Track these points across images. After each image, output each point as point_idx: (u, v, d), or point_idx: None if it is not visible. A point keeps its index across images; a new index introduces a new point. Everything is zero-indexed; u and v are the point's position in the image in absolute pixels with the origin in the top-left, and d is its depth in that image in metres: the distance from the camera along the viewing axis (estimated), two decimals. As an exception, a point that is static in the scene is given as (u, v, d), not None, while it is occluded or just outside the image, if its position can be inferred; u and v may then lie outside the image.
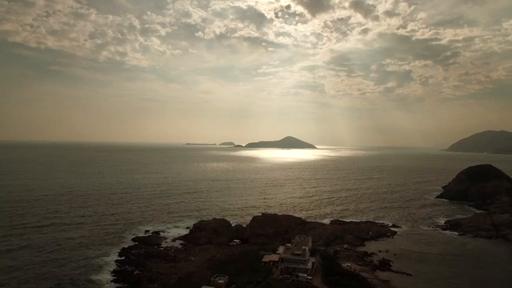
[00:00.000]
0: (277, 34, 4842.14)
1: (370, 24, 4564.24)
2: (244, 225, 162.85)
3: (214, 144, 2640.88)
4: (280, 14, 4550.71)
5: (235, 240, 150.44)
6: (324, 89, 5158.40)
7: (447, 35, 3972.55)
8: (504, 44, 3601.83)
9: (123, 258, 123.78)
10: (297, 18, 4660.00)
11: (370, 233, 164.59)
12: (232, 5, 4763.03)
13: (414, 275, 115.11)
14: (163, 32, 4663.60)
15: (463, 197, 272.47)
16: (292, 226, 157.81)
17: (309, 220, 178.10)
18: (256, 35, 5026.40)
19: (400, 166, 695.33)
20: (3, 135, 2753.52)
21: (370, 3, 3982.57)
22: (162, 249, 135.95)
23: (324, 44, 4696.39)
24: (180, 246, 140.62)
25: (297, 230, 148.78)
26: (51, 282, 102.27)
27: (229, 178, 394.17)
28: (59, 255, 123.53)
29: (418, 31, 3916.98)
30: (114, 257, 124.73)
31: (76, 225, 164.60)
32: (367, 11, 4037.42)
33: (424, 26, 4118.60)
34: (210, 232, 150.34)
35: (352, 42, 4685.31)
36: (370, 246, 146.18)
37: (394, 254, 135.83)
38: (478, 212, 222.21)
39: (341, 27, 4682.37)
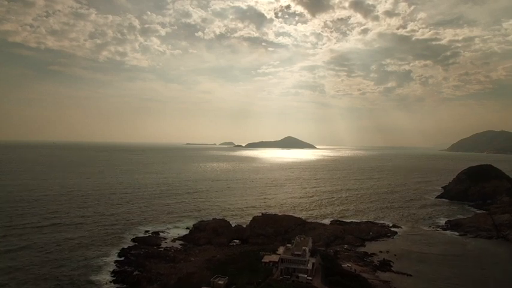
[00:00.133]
0: (277, 34, 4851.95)
1: (370, 24, 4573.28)
2: (244, 226, 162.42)
3: (214, 144, 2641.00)
4: (280, 14, 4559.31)
5: (235, 241, 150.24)
6: (324, 89, 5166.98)
7: (447, 35, 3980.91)
8: (504, 44, 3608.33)
9: (122, 258, 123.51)
10: (296, 18, 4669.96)
11: (371, 233, 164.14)
12: (232, 5, 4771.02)
13: (415, 275, 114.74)
14: (163, 32, 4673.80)
15: (464, 197, 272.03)
16: (292, 226, 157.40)
17: (309, 220, 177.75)
18: (256, 35, 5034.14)
19: (400, 166, 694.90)
20: (3, 135, 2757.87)
21: (370, 3, 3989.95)
22: (162, 249, 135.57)
23: (323, 44, 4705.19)
24: (179, 247, 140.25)
25: (297, 230, 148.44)
26: (50, 283, 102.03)
27: (229, 178, 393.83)
28: (58, 256, 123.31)
29: (418, 31, 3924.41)
30: (113, 257, 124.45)
31: (76, 225, 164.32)
32: (367, 11, 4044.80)
33: (424, 26, 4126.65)
34: (209, 232, 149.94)
35: (352, 42, 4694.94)
36: (371, 247, 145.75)
37: (395, 255, 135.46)
38: (478, 212, 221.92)
39: (341, 27, 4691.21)
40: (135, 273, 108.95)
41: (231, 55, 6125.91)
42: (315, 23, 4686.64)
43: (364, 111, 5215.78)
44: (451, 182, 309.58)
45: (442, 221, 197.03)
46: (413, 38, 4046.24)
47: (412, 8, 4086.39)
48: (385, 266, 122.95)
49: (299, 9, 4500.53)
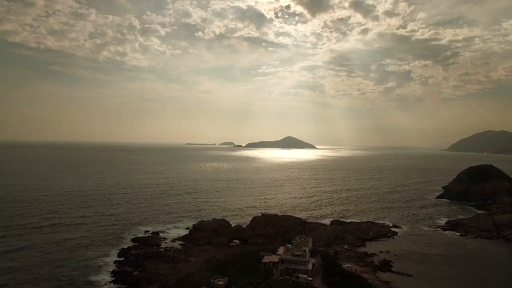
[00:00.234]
0: (277, 34, 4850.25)
1: (370, 24, 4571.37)
2: (244, 226, 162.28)
3: (214, 144, 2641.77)
4: (280, 14, 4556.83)
5: (235, 241, 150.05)
6: (323, 89, 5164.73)
7: (447, 35, 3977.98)
8: (504, 44, 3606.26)
9: (122, 259, 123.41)
10: (296, 18, 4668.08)
11: (371, 233, 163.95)
12: (232, 5, 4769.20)
13: (415, 275, 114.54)
14: (163, 32, 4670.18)
15: (464, 197, 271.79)
16: (292, 226, 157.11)
17: (309, 220, 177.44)
18: (256, 35, 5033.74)
19: (400, 166, 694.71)
20: (3, 135, 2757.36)
21: (370, 3, 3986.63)
22: (162, 250, 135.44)
23: (323, 44, 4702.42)
24: (179, 247, 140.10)
25: (297, 230, 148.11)
26: (50, 283, 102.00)
27: (229, 178, 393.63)
28: (58, 256, 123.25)
29: (417, 31, 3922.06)
30: (113, 257, 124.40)
31: (76, 225, 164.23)
32: (367, 11, 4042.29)
33: (424, 26, 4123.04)
34: (209, 233, 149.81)
35: (352, 42, 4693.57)
36: (371, 247, 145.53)
37: (395, 255, 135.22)
38: (479, 212, 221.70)
39: (341, 27, 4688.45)
40: (134, 273, 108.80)
41: (231, 55, 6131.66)
42: (315, 23, 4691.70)
43: (364, 111, 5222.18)
44: (451, 182, 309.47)
45: (443, 221, 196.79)
46: (413, 38, 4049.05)
47: (412, 8, 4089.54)
48: (385, 266, 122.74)
49: (299, 9, 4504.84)
